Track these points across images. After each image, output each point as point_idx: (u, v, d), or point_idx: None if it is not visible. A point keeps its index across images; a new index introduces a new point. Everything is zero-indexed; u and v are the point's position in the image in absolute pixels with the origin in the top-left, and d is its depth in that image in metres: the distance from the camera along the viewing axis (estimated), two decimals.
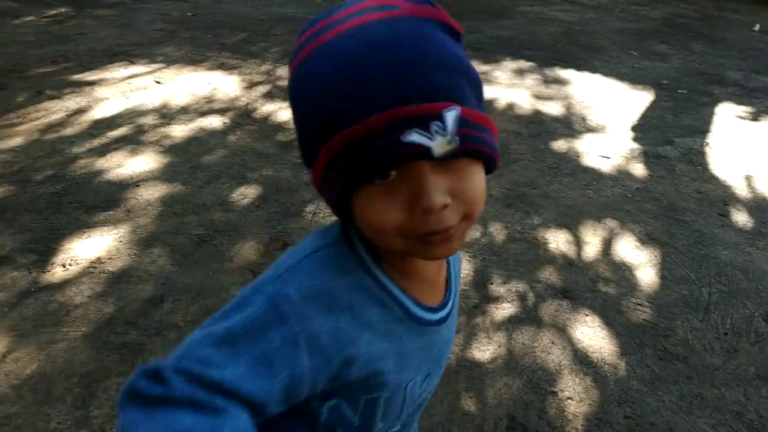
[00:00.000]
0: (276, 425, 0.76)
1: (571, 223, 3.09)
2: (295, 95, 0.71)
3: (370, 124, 0.63)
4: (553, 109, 4.50)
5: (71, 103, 4.15)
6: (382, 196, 0.66)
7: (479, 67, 5.24)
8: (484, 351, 2.28)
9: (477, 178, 0.69)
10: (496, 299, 2.54)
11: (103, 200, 3.04)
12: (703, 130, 4.33)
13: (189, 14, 6.42)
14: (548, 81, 5.02)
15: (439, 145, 0.63)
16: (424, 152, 0.63)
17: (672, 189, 3.53)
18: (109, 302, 2.38)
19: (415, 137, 0.62)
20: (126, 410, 0.64)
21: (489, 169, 0.73)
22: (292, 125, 0.77)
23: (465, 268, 2.71)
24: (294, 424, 0.77)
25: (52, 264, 2.57)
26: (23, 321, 2.27)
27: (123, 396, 0.65)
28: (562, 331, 2.41)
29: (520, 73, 5.16)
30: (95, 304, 2.37)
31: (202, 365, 0.65)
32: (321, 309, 0.69)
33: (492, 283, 2.62)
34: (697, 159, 3.92)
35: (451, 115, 0.63)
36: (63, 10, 6.38)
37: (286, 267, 0.72)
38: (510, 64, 5.34)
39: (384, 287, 0.75)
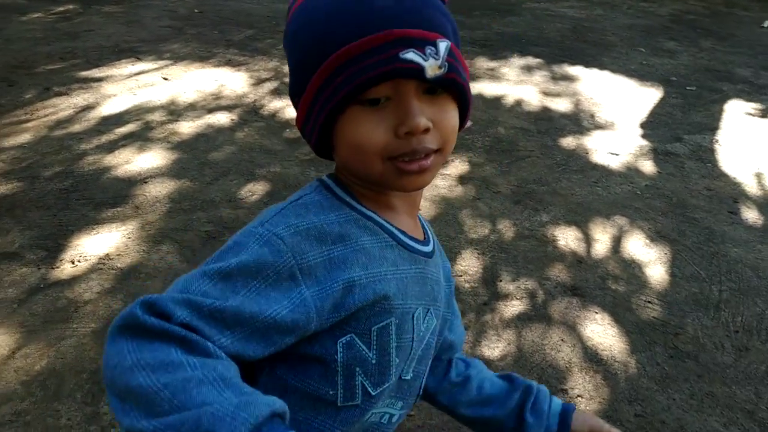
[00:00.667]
0: (291, 380, 0.77)
1: (580, 221, 3.08)
2: (294, 29, 0.78)
3: (372, 40, 0.70)
4: (561, 105, 4.48)
5: (79, 99, 4.15)
6: (369, 118, 0.73)
7: (487, 63, 5.23)
8: (494, 348, 2.27)
9: (453, 115, 0.78)
10: (506, 296, 2.53)
11: (111, 197, 3.04)
12: (712, 127, 4.31)
13: (195, 11, 6.41)
14: (556, 78, 5.00)
15: (431, 67, 0.71)
16: (418, 71, 0.71)
17: (681, 186, 3.51)
18: (118, 298, 2.38)
19: (412, 55, 0.70)
20: (116, 341, 0.63)
21: (462, 116, 0.80)
22: None
23: (473, 265, 2.70)
24: (311, 374, 0.77)
25: (60, 260, 2.57)
26: (32, 317, 2.27)
27: (114, 328, 0.64)
28: (572, 328, 2.39)
29: (527, 69, 5.14)
30: (104, 300, 2.37)
31: (204, 297, 0.66)
32: (312, 242, 0.73)
33: (501, 281, 2.61)
34: (706, 156, 3.89)
35: (443, 45, 0.72)
36: (70, 6, 6.39)
37: (272, 214, 0.75)
38: (518, 61, 5.31)
39: (370, 218, 0.80)
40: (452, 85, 0.75)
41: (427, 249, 0.87)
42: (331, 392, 0.77)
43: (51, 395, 1.97)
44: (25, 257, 2.58)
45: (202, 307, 0.65)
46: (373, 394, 0.79)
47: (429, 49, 0.71)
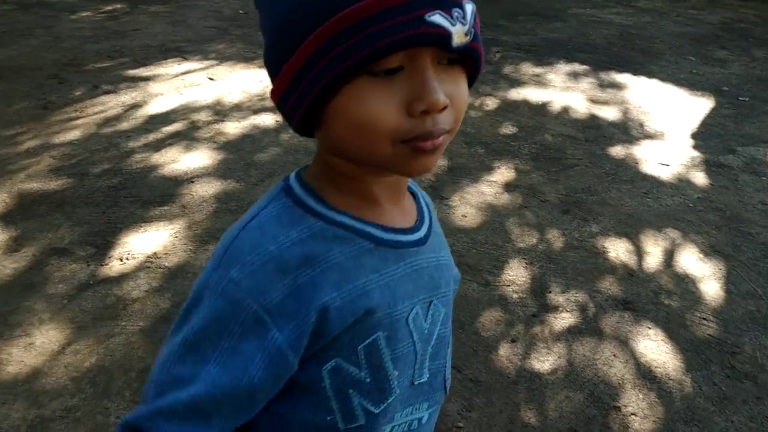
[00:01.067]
0: (286, 413, 0.72)
1: (630, 232, 3.00)
2: None
3: None
4: (609, 113, 4.39)
5: (127, 98, 4.20)
6: (377, 91, 0.61)
7: (532, 69, 5.16)
8: (544, 362, 2.21)
9: (465, 88, 0.68)
10: (555, 309, 2.47)
11: (159, 195, 3.06)
12: (766, 139, 4.18)
13: (240, 12, 6.46)
14: (604, 85, 4.91)
15: (457, 33, 0.61)
16: (444, 38, 0.60)
17: (735, 199, 3.40)
18: (165, 297, 2.38)
19: (438, 18, 0.59)
20: None
21: (469, 83, 0.70)
22: None
23: (521, 275, 2.65)
24: (303, 405, 0.71)
25: (109, 257, 2.59)
26: (82, 313, 2.29)
27: None
28: (624, 343, 2.33)
29: (574, 76, 5.06)
30: (152, 299, 2.37)
31: (175, 390, 0.64)
32: (273, 275, 0.64)
33: (550, 292, 2.55)
34: (761, 169, 3.77)
35: (469, 7, 0.62)
36: (118, 6, 6.49)
37: (225, 248, 0.67)
38: (564, 67, 5.23)
39: (339, 224, 0.69)
40: (472, 56, 0.65)
41: (418, 236, 0.76)
42: (328, 418, 0.71)
43: (100, 392, 1.97)
44: (74, 253, 2.60)
45: (177, 409, 0.64)
46: (377, 412, 0.72)
47: (456, 12, 0.60)
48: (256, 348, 0.64)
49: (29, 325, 2.23)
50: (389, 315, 0.70)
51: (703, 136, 4.14)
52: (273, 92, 0.68)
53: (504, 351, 2.25)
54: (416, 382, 0.77)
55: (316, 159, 0.74)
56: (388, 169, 0.68)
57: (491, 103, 4.44)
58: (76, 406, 1.92)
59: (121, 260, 2.58)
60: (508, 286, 2.58)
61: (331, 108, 0.63)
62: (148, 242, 2.69)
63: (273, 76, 0.67)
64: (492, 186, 3.33)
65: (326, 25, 0.59)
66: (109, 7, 6.46)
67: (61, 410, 1.91)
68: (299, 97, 0.64)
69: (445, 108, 0.63)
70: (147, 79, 4.52)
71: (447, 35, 0.60)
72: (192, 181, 3.19)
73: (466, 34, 0.62)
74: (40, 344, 2.15)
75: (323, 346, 0.67)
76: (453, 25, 0.60)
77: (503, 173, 3.47)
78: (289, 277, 0.64)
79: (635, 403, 2.08)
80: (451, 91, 0.64)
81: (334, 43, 0.59)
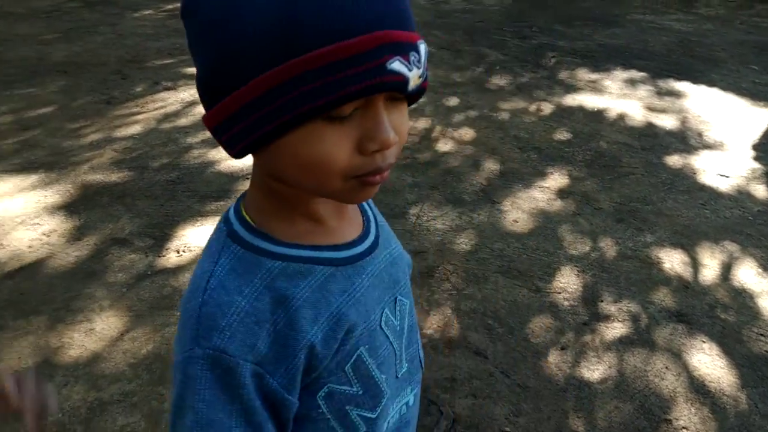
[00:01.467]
0: None
1: (686, 244, 2.94)
2: (227, 4, 0.58)
3: (359, 43, 0.56)
4: (667, 122, 4.30)
5: (185, 94, 4.31)
6: (332, 135, 0.60)
7: (588, 75, 5.09)
8: (594, 371, 2.19)
9: (407, 118, 0.67)
10: (607, 318, 2.44)
11: (215, 190, 3.13)
12: None
13: None
14: (662, 93, 4.81)
15: (413, 78, 0.60)
16: (402, 84, 0.59)
17: None
18: None
19: (398, 65, 0.58)
20: None
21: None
22: None
23: (573, 282, 2.62)
24: None
25: (166, 249, 2.67)
26: (140, 302, 2.36)
27: None
28: (677, 356, 2.28)
29: (631, 83, 4.97)
30: None
31: None
32: (253, 330, 0.64)
33: (602, 301, 2.52)
34: None
35: (423, 48, 0.61)
36: (179, 4, 6.64)
37: (196, 320, 0.64)
38: (621, 74, 5.15)
39: (296, 258, 0.68)
40: (419, 92, 0.65)
41: (369, 242, 0.76)
42: None
43: (156, 379, 2.03)
44: (134, 244, 2.69)
45: None
46: (374, 416, 0.74)
47: (413, 56, 0.59)
48: (264, 403, 0.65)
49: (90, 311, 2.31)
50: (365, 329, 0.72)
51: (764, 148, 4.03)
52: (208, 118, 0.63)
53: (553, 358, 2.23)
54: (399, 375, 0.79)
55: (254, 183, 0.71)
56: (332, 199, 0.68)
57: (546, 109, 4.41)
58: (133, 391, 1.99)
59: (178, 252, 2.65)
60: (559, 293, 2.55)
61: (280, 144, 0.61)
62: (203, 236, 2.76)
63: (210, 101, 0.63)
64: (544, 192, 3.30)
65: (285, 65, 0.56)
66: (170, 6, 6.64)
67: (119, 394, 1.97)
68: (244, 131, 0.61)
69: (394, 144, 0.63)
70: None
71: (404, 81, 0.59)
72: (247, 178, 3.26)
73: (420, 77, 0.61)
74: (99, 330, 2.23)
75: (316, 376, 0.68)
76: (410, 70, 0.59)
77: (556, 179, 3.44)
78: (268, 325, 0.64)
79: (687, 417, 2.04)
80: (397, 125, 0.63)
81: (293, 86, 0.57)
